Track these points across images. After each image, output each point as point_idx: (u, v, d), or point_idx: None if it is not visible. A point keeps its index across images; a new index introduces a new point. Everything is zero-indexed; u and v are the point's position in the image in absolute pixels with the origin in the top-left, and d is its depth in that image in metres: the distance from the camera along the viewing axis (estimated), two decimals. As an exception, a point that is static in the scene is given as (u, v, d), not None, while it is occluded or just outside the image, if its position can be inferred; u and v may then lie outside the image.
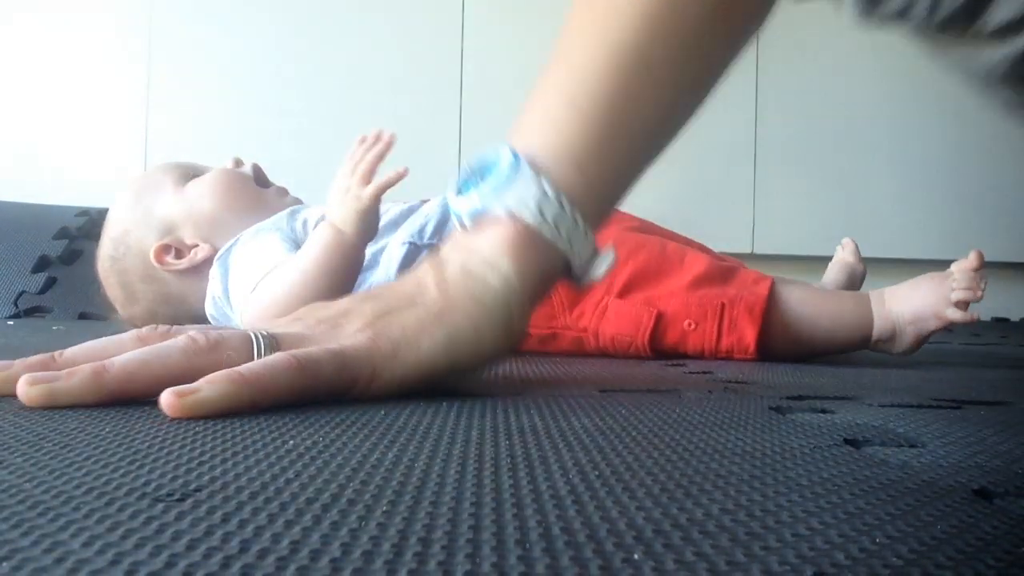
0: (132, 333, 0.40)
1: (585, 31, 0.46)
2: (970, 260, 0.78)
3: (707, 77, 0.48)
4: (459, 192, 0.45)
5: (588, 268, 0.46)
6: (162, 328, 0.40)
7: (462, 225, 0.45)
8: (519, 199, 0.43)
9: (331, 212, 0.76)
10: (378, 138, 0.75)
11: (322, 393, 0.38)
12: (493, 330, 0.42)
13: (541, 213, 0.43)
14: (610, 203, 0.47)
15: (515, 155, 0.43)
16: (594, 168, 0.45)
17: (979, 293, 0.76)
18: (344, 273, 0.76)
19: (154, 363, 0.36)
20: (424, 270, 0.44)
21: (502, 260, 0.43)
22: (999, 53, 0.68)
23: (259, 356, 0.38)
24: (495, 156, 0.44)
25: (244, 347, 0.38)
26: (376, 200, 0.74)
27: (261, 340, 0.38)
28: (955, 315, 0.76)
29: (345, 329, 0.41)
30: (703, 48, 0.46)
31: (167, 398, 0.33)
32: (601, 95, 0.45)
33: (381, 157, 0.75)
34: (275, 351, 0.38)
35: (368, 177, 0.74)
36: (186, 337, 0.37)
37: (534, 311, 0.46)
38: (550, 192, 0.43)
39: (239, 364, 0.36)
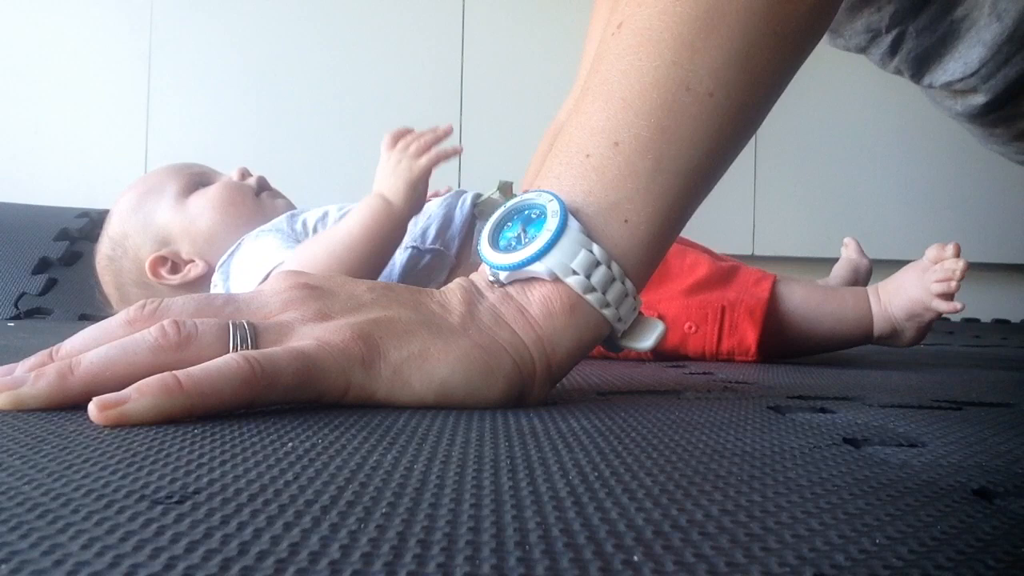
0: (121, 316, 0.39)
1: (623, 59, 0.42)
2: (947, 250, 0.79)
3: (761, 97, 0.44)
4: (495, 238, 0.42)
5: (630, 335, 0.42)
6: (149, 308, 0.38)
7: (496, 280, 0.41)
8: (564, 262, 0.39)
9: (380, 184, 0.79)
10: (436, 129, 0.80)
11: (280, 402, 0.36)
12: (503, 392, 0.39)
13: (588, 279, 0.40)
14: (656, 256, 0.43)
15: (562, 208, 0.40)
16: (643, 219, 0.41)
17: (954, 284, 0.76)
18: (386, 242, 0.79)
19: (120, 362, 0.35)
20: (453, 292, 0.41)
21: (539, 323, 0.40)
22: (958, 104, 0.72)
23: (235, 351, 0.36)
24: (539, 204, 0.41)
25: (219, 341, 0.36)
26: (427, 171, 0.78)
27: (238, 333, 0.37)
28: (940, 306, 0.77)
29: (336, 331, 0.37)
30: (756, 66, 0.42)
31: (92, 409, 0.32)
32: (645, 132, 0.40)
33: (438, 141, 0.79)
34: (255, 346, 0.36)
35: (422, 152, 0.79)
36: (158, 329, 0.36)
37: (557, 383, 0.42)
38: (600, 257, 0.40)
39: (210, 360, 0.35)
